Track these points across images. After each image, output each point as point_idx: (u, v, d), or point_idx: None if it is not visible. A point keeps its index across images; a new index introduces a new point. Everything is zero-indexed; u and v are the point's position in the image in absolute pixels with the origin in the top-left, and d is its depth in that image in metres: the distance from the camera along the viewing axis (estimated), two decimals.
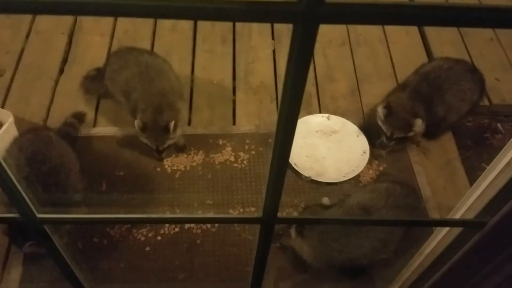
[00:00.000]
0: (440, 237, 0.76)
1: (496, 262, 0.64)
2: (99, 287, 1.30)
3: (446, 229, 0.74)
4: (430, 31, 2.10)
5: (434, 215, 1.50)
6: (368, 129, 1.72)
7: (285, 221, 0.59)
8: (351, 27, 2.11)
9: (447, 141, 1.74)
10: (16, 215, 0.57)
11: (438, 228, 0.78)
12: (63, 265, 0.71)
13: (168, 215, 0.58)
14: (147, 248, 1.44)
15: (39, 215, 0.58)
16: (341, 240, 1.23)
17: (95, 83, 1.77)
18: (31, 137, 1.41)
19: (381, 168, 1.66)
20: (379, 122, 1.62)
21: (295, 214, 1.51)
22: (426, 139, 1.71)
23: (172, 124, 1.48)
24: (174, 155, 1.66)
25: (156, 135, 1.52)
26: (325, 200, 1.34)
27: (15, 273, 1.37)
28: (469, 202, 0.66)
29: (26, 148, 1.34)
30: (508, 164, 0.59)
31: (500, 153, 0.62)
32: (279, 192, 0.56)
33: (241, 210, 1.55)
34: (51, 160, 1.32)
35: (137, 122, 1.49)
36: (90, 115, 1.77)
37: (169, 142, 1.55)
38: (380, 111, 1.60)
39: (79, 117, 1.69)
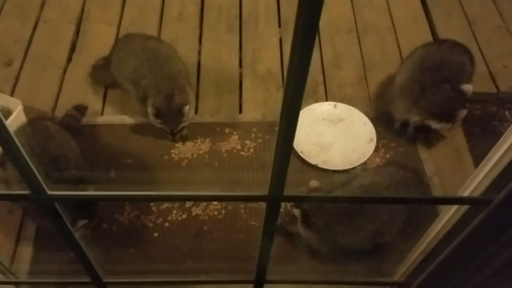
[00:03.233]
0: (446, 219, 0.76)
1: (501, 242, 0.64)
2: (108, 270, 1.32)
3: (451, 211, 0.74)
4: (438, 19, 2.08)
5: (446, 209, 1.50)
6: (376, 116, 1.72)
7: (290, 199, 0.60)
8: (359, 14, 2.10)
9: (455, 128, 1.73)
10: (27, 192, 0.58)
11: (443, 210, 0.79)
12: (73, 245, 0.72)
13: (172, 192, 0.59)
14: (155, 234, 1.46)
15: (50, 192, 0.59)
16: (344, 224, 1.24)
17: (103, 73, 1.78)
18: (29, 130, 1.43)
19: (387, 156, 1.65)
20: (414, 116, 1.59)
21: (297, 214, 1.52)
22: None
23: (186, 107, 1.52)
24: (181, 143, 1.67)
25: (171, 119, 1.54)
26: (313, 183, 1.34)
27: (26, 254, 1.39)
28: (475, 182, 0.66)
29: (26, 140, 1.35)
30: None
31: (506, 132, 0.62)
32: (285, 169, 0.56)
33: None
34: (50, 151, 1.34)
35: (150, 109, 1.51)
36: (98, 104, 1.78)
37: (183, 124, 1.59)
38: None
39: (81, 109, 1.70)
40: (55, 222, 0.64)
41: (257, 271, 0.82)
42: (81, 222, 1.22)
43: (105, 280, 0.85)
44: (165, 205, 1.52)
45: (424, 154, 1.65)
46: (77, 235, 1.28)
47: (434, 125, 1.57)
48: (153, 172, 1.61)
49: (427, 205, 1.26)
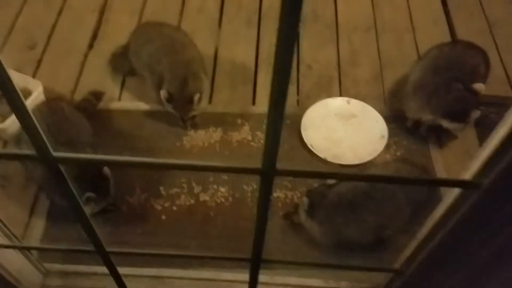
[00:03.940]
0: (442, 208, 0.77)
1: (491, 229, 0.65)
2: (116, 249, 1.35)
3: (449, 201, 0.75)
4: (458, 20, 2.07)
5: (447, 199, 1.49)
6: (389, 114, 1.72)
7: (283, 173, 0.62)
8: (378, 12, 2.10)
9: (468, 130, 1.71)
10: (32, 152, 0.61)
11: (444, 199, 0.79)
12: (78, 210, 0.75)
13: (171, 161, 0.60)
14: (163, 217, 1.49)
15: (55, 154, 0.62)
16: (348, 215, 1.25)
17: (122, 60, 1.83)
18: (45, 109, 1.47)
19: (398, 153, 1.65)
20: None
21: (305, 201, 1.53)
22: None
23: (196, 96, 1.55)
24: (193, 131, 1.70)
25: (182, 105, 1.58)
26: (330, 181, 1.35)
27: (36, 231, 1.44)
28: (470, 166, 0.66)
29: (42, 118, 1.40)
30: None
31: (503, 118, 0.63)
32: (277, 142, 0.58)
33: (255, 186, 1.58)
34: (64, 130, 1.38)
35: (163, 93, 1.54)
36: (116, 90, 1.83)
37: (193, 113, 1.62)
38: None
39: (97, 94, 1.74)
40: (59, 185, 0.67)
41: (253, 249, 0.84)
42: (87, 195, 1.26)
43: (108, 250, 0.88)
44: (174, 189, 1.55)
45: (435, 153, 1.65)
46: (86, 210, 1.33)
47: (446, 124, 1.56)
48: (165, 157, 1.63)
49: (421, 193, 1.26)
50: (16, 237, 1.11)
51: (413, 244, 0.82)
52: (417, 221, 1.34)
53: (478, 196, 0.61)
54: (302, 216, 1.32)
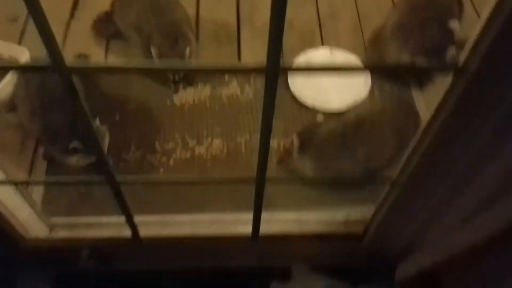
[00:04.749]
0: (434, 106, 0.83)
1: (483, 110, 0.71)
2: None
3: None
4: None
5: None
6: (370, 62, 1.78)
7: (288, 69, 0.66)
8: None
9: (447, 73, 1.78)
10: (46, 63, 0.64)
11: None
12: (87, 125, 0.76)
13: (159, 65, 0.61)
14: (161, 170, 1.52)
15: (69, 64, 0.65)
16: (338, 148, 1.31)
17: (105, 25, 1.83)
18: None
19: (382, 99, 1.71)
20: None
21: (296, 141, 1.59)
22: None
23: (187, 50, 1.57)
24: (182, 89, 1.73)
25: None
26: (319, 117, 1.40)
27: (35, 195, 1.46)
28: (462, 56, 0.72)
29: (33, 80, 1.41)
30: None
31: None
32: (280, 39, 0.62)
33: (248, 137, 1.63)
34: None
35: (154, 50, 1.56)
36: (101, 54, 1.84)
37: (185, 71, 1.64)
38: None
39: (82, 57, 1.75)
40: (71, 96, 0.69)
41: (258, 166, 0.88)
42: (73, 145, 1.29)
43: (118, 179, 0.91)
44: (169, 144, 1.59)
45: (417, 96, 1.71)
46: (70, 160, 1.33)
47: (425, 64, 1.63)
48: (157, 117, 1.67)
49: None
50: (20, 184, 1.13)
51: (406, 153, 0.88)
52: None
53: (467, 81, 0.66)
54: (295, 156, 1.37)
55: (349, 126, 1.32)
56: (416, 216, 1.02)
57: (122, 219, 1.19)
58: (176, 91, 1.71)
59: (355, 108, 1.41)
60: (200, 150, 1.59)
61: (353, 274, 1.26)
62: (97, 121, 1.38)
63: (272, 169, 1.53)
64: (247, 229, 1.22)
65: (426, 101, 1.69)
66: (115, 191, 0.95)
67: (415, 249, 1.05)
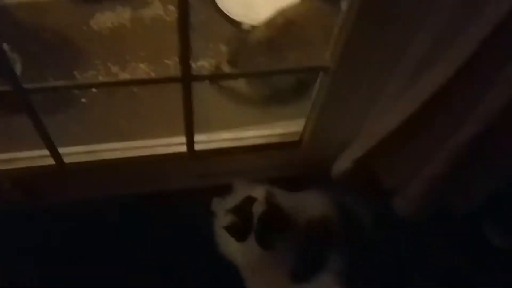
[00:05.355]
0: None
1: None
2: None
3: None
4: None
5: None
6: None
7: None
8: None
9: None
10: None
11: None
12: None
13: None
14: (83, 100, 1.42)
15: None
16: (267, 54, 1.27)
17: None
18: None
19: None
20: None
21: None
22: None
23: None
24: (99, 13, 1.59)
25: None
26: (245, 25, 1.34)
27: None
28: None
29: None
30: None
31: None
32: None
33: (176, 59, 1.54)
34: None
35: None
36: None
37: None
38: None
39: None
40: None
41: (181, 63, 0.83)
42: None
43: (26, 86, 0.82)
44: (90, 72, 1.48)
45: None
46: None
47: None
48: (74, 45, 1.54)
49: None
50: None
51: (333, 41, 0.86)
52: None
53: None
54: (226, 68, 1.32)
55: (277, 29, 1.27)
56: (349, 109, 1.01)
57: (45, 152, 1.10)
58: None
59: (282, 11, 1.35)
60: (125, 76, 1.49)
61: (292, 181, 1.26)
62: (5, 46, 1.24)
63: (206, 90, 1.48)
64: (183, 148, 1.18)
65: None
66: (25, 102, 0.87)
67: (348, 146, 1.05)
